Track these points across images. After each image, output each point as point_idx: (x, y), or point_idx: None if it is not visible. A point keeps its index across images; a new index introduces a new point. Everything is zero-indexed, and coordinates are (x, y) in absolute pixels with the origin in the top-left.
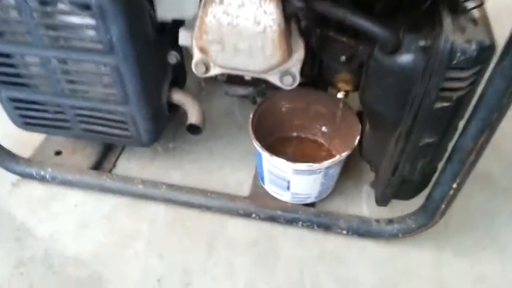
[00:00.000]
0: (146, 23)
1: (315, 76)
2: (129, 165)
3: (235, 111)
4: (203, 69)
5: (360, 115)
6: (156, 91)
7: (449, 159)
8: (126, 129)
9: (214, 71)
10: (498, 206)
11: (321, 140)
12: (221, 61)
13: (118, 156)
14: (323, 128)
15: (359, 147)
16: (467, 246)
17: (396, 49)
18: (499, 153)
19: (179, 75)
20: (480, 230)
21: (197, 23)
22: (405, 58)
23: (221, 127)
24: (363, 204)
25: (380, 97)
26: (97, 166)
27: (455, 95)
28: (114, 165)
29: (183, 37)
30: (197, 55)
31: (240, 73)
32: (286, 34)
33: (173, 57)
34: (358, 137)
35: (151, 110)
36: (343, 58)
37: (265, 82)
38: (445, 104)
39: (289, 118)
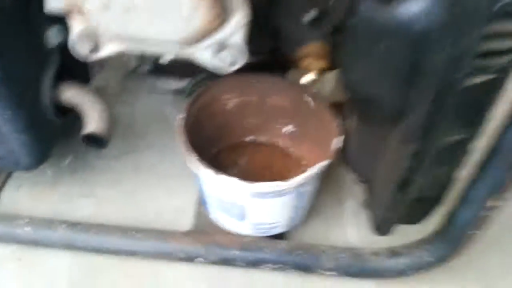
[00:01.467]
0: None
1: (270, 52)
2: (18, 195)
3: (167, 112)
4: (88, 45)
5: (338, 106)
6: (30, 88)
7: (487, 164)
8: None
9: (107, 48)
10: None
11: (285, 145)
12: (108, 26)
13: (3, 184)
14: (286, 128)
15: (342, 152)
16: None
17: None
18: None
19: (74, 64)
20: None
21: None
22: (413, 7)
23: (150, 134)
24: (347, 226)
25: (373, 73)
26: None
27: (498, 62)
28: None
29: None
30: (76, 23)
31: (148, 50)
32: None
33: (54, 35)
34: (338, 138)
35: (24, 117)
36: (308, 16)
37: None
38: (485, 78)
39: (237, 117)
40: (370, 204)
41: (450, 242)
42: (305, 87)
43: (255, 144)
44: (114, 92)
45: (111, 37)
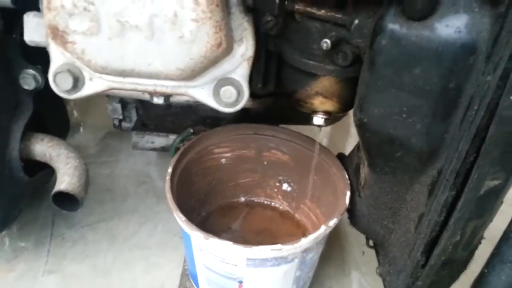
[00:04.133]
0: None
1: (272, 93)
2: None
3: (151, 173)
4: (69, 81)
5: (340, 159)
6: None
7: None
8: None
9: (90, 86)
10: None
11: (284, 205)
12: (95, 56)
13: None
14: (285, 186)
15: (348, 211)
16: None
17: (431, 9)
18: None
19: (50, 112)
20: None
21: None
22: (454, 22)
23: (131, 198)
24: None
25: (399, 109)
26: None
27: None
28: None
29: (33, 27)
30: (56, 55)
31: (139, 87)
32: None
33: (29, 80)
34: (348, 193)
35: None
36: (325, 44)
37: (202, 121)
38: None
39: (231, 173)
40: (387, 271)
41: None
42: (308, 138)
43: (250, 204)
44: (93, 153)
45: (96, 69)
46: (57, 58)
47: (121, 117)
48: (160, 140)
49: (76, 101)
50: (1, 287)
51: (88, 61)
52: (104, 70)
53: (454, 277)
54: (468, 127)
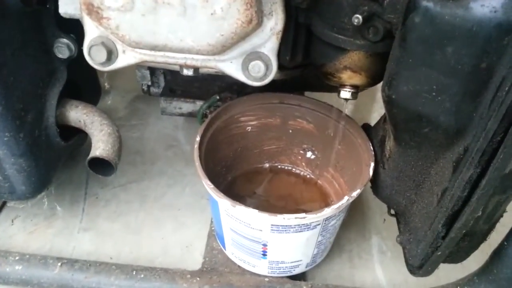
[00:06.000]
0: None
1: (299, 65)
2: (11, 228)
3: (179, 137)
4: (103, 54)
5: (366, 130)
6: (33, 106)
7: None
8: None
9: (123, 58)
10: None
11: (307, 172)
12: (129, 32)
13: None
14: (309, 154)
15: (372, 180)
16: None
17: None
18: None
19: (83, 80)
20: None
21: None
22: (490, 2)
23: (160, 161)
24: (375, 265)
25: (429, 87)
26: None
27: None
28: None
29: (68, 0)
30: (90, 28)
31: (170, 60)
32: None
33: (63, 49)
34: (372, 165)
35: (24, 140)
36: (356, 20)
37: (228, 88)
38: None
39: (257, 141)
40: (407, 240)
41: (497, 283)
42: (333, 108)
43: (274, 170)
44: (123, 115)
45: (130, 44)
46: (91, 31)
47: (149, 83)
48: (187, 106)
49: None
50: (41, 242)
51: (122, 36)
52: (137, 45)
53: (474, 247)
54: (497, 107)
